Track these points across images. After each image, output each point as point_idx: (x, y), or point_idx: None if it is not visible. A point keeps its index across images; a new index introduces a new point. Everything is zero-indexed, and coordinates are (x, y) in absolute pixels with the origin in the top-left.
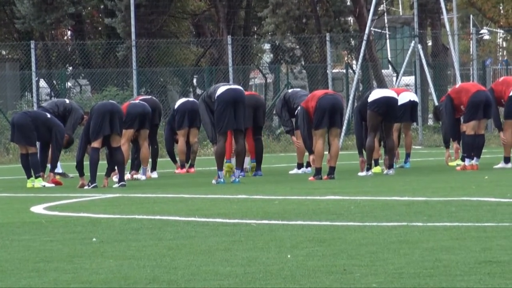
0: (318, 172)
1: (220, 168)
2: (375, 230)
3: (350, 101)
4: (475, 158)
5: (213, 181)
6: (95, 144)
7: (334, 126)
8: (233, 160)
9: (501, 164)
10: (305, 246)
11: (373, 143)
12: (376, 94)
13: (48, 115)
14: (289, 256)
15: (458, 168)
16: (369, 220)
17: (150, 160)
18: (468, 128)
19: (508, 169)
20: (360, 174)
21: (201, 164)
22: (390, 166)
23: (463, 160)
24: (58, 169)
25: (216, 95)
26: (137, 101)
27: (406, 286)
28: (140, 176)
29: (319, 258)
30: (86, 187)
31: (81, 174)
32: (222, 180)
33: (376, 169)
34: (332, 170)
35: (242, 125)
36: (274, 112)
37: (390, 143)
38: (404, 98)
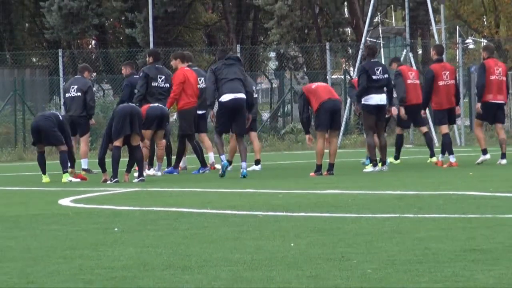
0: (318, 169)
1: (222, 153)
2: (370, 221)
3: (348, 105)
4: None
5: (109, 181)
6: (117, 143)
7: (334, 128)
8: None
9: (482, 157)
10: (307, 236)
11: (372, 141)
12: (368, 99)
13: (60, 117)
14: (292, 244)
15: (445, 165)
16: (364, 212)
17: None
18: (443, 129)
19: (491, 166)
20: (365, 170)
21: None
22: (383, 162)
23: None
24: (84, 165)
25: (221, 100)
26: (156, 104)
27: (399, 272)
28: (156, 172)
29: (320, 246)
30: (108, 182)
31: (104, 170)
32: (225, 162)
33: (369, 167)
34: (331, 166)
35: (243, 131)
36: (279, 114)
37: (382, 141)
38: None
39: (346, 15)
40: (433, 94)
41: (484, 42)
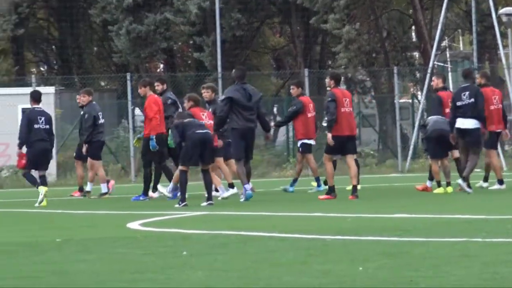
0: (331, 190)
1: (245, 182)
2: (438, 245)
3: (416, 128)
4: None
5: (177, 205)
6: (184, 167)
7: (350, 153)
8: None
9: (496, 186)
10: (375, 260)
11: (465, 164)
12: (462, 123)
13: None
14: (360, 268)
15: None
16: (432, 236)
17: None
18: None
19: None
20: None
21: (271, 186)
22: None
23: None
24: (105, 189)
25: (235, 127)
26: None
27: None
28: (220, 193)
29: (388, 270)
30: (177, 206)
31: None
32: (249, 192)
33: (439, 190)
34: (355, 189)
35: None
36: None
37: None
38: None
39: (414, 39)
40: None
41: None
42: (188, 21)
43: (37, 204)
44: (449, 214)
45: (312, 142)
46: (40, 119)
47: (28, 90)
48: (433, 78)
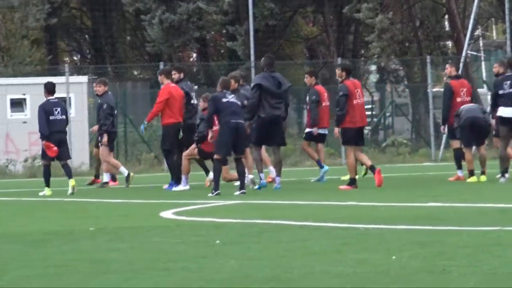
0: (352, 182)
1: (261, 171)
2: (472, 234)
3: None
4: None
5: (210, 194)
6: (218, 156)
7: (360, 144)
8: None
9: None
10: (408, 248)
11: (504, 152)
12: (503, 112)
13: None
14: (394, 257)
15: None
16: (466, 225)
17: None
18: (454, 144)
19: None
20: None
21: (303, 175)
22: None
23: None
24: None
25: (260, 115)
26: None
27: (501, 285)
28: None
29: (421, 259)
30: (210, 195)
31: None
32: (263, 182)
33: (472, 179)
34: (372, 167)
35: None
36: (380, 127)
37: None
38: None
39: (447, 29)
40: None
41: None
42: (221, 10)
43: (41, 194)
44: (482, 203)
45: (325, 131)
46: (56, 110)
47: (62, 79)
48: (446, 66)
